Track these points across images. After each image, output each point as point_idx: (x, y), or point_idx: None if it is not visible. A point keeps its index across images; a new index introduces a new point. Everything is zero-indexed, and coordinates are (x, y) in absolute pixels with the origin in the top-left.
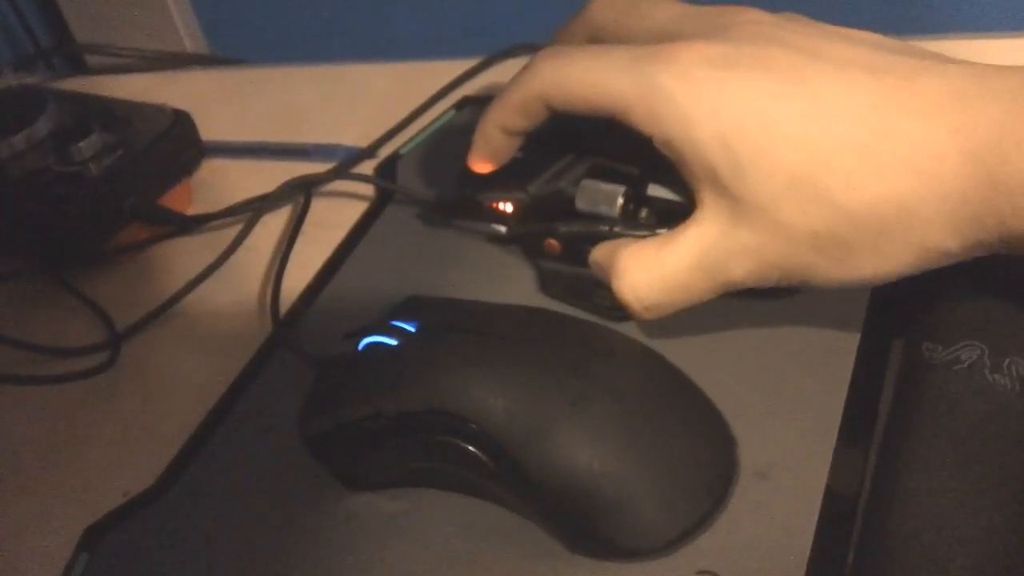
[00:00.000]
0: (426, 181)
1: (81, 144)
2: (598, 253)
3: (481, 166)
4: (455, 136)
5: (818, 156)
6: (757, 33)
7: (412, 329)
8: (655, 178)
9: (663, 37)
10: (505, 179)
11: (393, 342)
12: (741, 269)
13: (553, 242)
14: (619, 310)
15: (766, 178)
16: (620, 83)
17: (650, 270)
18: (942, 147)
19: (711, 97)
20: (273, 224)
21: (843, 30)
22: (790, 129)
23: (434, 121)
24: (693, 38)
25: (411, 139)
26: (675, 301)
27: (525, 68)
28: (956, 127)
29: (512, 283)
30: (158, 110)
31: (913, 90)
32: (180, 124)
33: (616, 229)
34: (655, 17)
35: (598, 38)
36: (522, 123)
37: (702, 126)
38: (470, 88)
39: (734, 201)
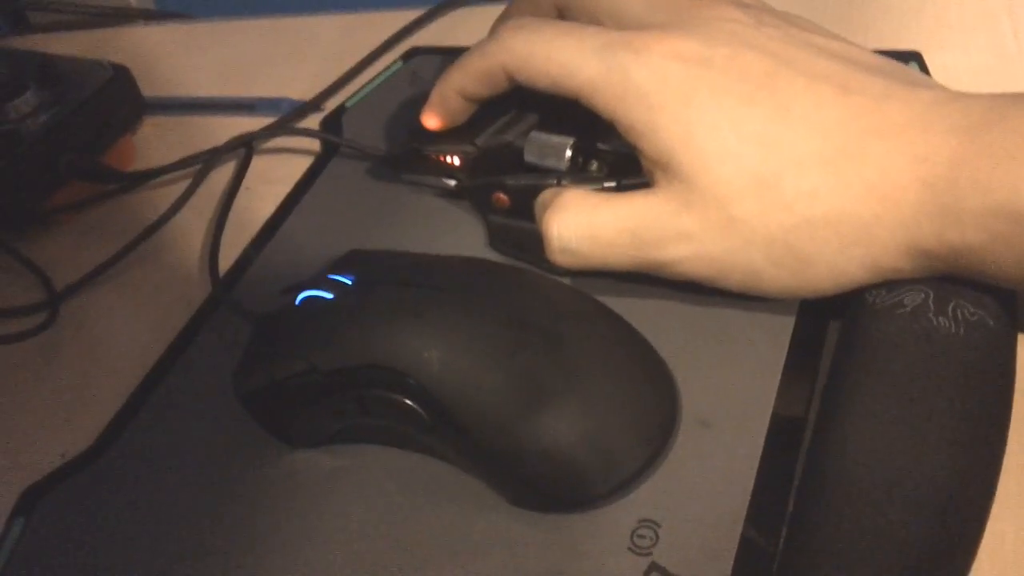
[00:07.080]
0: (373, 134)
1: (16, 101)
2: (545, 195)
3: (433, 125)
4: (402, 88)
5: (786, 161)
6: (732, 33)
7: (349, 282)
8: (605, 129)
9: (635, 22)
10: (453, 132)
11: (329, 296)
12: (676, 252)
13: (501, 195)
14: None
15: (731, 173)
16: (589, 67)
17: (584, 216)
18: (903, 175)
19: (682, 91)
20: (218, 181)
21: (816, 38)
22: (760, 130)
23: (381, 73)
24: (666, 28)
25: (357, 91)
26: (594, 255)
27: (492, 36)
28: (918, 156)
29: (460, 237)
30: (96, 65)
31: (880, 114)
32: (119, 79)
33: (564, 182)
34: None
35: (568, 12)
36: (482, 90)
37: (668, 113)
38: (417, 39)
39: (689, 186)
